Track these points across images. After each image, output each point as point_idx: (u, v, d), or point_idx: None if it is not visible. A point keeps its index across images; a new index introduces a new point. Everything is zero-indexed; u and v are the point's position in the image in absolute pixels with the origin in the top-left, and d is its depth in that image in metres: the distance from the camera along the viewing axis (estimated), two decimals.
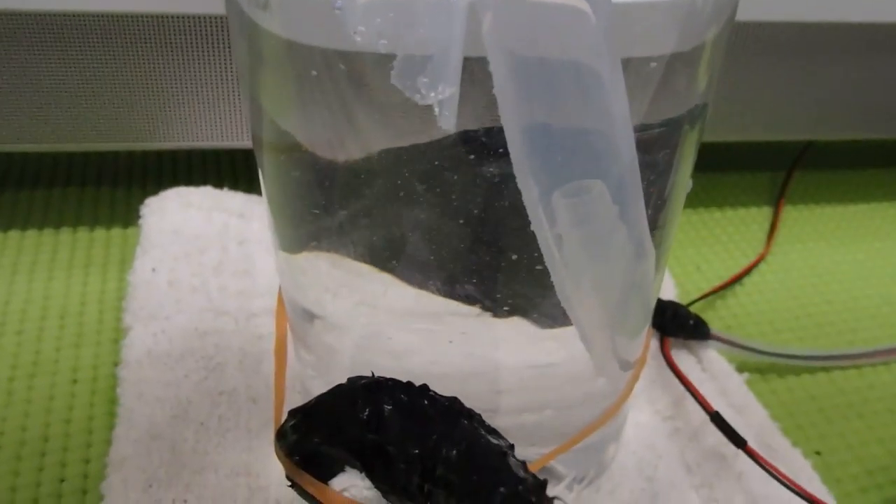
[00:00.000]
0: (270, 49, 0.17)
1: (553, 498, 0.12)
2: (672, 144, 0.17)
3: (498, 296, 0.18)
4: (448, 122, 0.13)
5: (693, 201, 0.36)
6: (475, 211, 0.17)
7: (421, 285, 0.18)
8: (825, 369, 0.28)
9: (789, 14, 0.30)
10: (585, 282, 0.16)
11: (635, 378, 0.20)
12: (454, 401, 0.14)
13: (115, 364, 0.24)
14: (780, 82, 0.33)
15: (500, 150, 0.15)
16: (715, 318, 0.30)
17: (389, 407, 0.13)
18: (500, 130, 0.15)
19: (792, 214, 0.37)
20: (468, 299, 0.18)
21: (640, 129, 0.16)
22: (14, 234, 0.29)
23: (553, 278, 0.15)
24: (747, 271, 0.32)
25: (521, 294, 0.18)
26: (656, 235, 0.18)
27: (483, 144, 0.16)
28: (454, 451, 0.12)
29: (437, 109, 0.13)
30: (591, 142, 0.14)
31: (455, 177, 0.17)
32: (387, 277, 0.18)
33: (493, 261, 0.18)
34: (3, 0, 0.24)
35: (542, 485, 0.12)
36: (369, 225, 0.18)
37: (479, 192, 0.17)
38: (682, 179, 0.19)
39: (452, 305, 0.18)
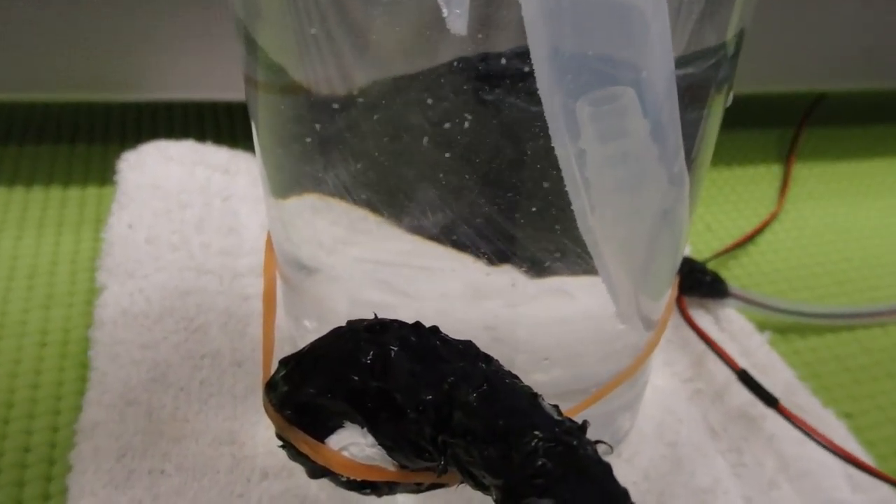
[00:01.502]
0: None
1: (597, 441, 0.10)
2: (711, 70, 0.16)
3: (509, 242, 0.16)
4: (458, 25, 0.12)
5: None
6: (477, 146, 0.15)
7: (421, 231, 0.16)
8: (849, 328, 0.27)
9: None
10: (610, 210, 0.14)
11: (657, 340, 0.19)
12: (469, 344, 0.12)
13: (88, 326, 0.22)
14: (789, 29, 0.31)
15: (505, 77, 0.14)
16: (730, 278, 0.28)
17: (396, 349, 0.11)
18: (499, 57, 0.13)
19: (803, 171, 0.35)
20: (474, 248, 0.16)
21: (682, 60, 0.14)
22: None
23: (574, 205, 0.13)
24: (760, 229, 0.31)
25: (536, 238, 0.16)
26: (690, 169, 0.16)
27: (484, 72, 0.14)
28: (474, 395, 0.10)
29: (445, 10, 0.12)
30: (621, 28, 0.12)
31: (454, 108, 0.15)
32: (385, 223, 0.16)
33: (501, 201, 0.16)
34: None
35: (583, 427, 0.10)
36: (366, 165, 0.16)
37: (482, 125, 0.15)
38: (718, 108, 0.17)
39: (457, 254, 0.16)
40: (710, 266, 0.28)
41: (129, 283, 0.22)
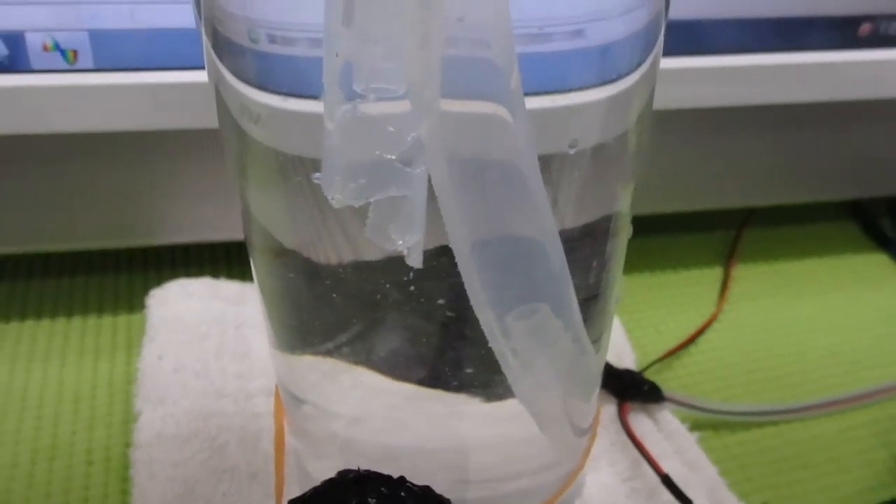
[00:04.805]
0: (259, 157, 0.19)
1: None
2: (603, 238, 0.20)
3: (466, 381, 0.21)
4: (416, 262, 0.16)
5: (651, 264, 0.39)
6: (447, 312, 0.20)
7: (400, 377, 0.21)
8: (773, 423, 0.31)
9: (716, 99, 0.33)
10: (538, 379, 0.18)
11: (589, 448, 0.23)
12: (427, 489, 0.17)
13: (127, 445, 0.26)
14: (715, 157, 0.37)
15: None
16: (673, 378, 0.33)
17: (373, 500, 0.16)
18: None
19: (743, 272, 0.40)
20: (440, 385, 0.21)
21: (570, 233, 0.19)
22: (30, 324, 0.31)
23: (510, 380, 0.18)
24: (700, 331, 0.35)
25: (488, 380, 0.21)
26: (597, 321, 0.21)
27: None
28: None
29: (405, 252, 0.16)
30: (531, 263, 0.17)
31: (428, 284, 0.19)
32: (367, 372, 0.21)
33: (462, 354, 0.21)
34: (20, 125, 0.27)
35: None
36: (352, 327, 0.21)
37: (450, 297, 0.20)
38: (619, 245, 0.21)
39: (425, 391, 0.21)
40: (658, 367, 0.33)
41: (161, 408, 0.27)
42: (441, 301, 0.20)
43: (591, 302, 0.20)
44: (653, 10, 0.17)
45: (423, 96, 0.14)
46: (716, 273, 0.39)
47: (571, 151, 0.17)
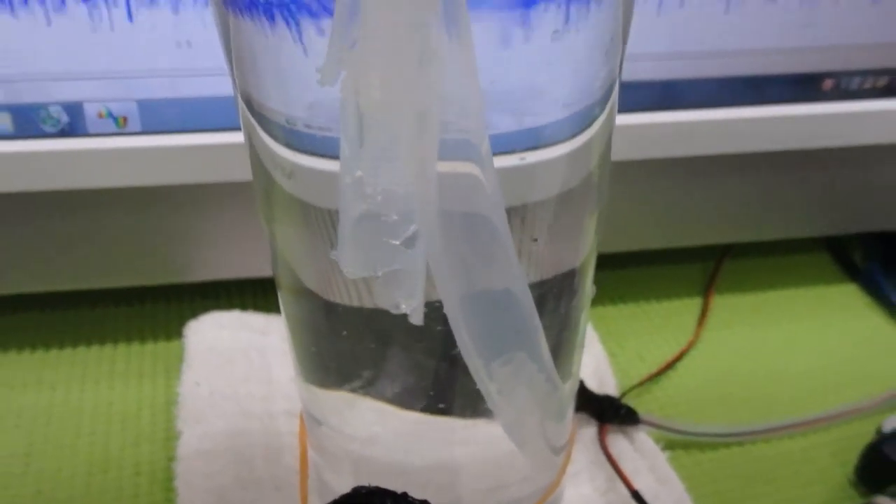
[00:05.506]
0: (290, 206, 0.23)
1: None
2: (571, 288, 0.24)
3: (460, 408, 0.25)
4: (417, 321, 0.20)
5: (635, 295, 0.43)
6: (444, 352, 0.24)
7: (405, 405, 0.25)
8: (739, 443, 0.35)
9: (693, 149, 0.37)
10: (518, 411, 0.22)
11: (565, 464, 0.27)
12: (425, 503, 0.21)
13: (170, 459, 0.30)
14: (695, 199, 0.40)
15: None
16: (652, 400, 0.37)
17: None
18: None
19: (721, 302, 0.43)
20: (439, 411, 0.25)
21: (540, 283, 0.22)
22: (81, 350, 0.36)
23: (494, 412, 0.22)
24: (678, 357, 0.39)
25: (478, 408, 0.25)
26: (565, 359, 0.25)
27: None
28: None
29: (408, 313, 0.20)
30: (509, 316, 0.21)
31: (428, 329, 0.23)
32: (376, 401, 0.25)
33: (457, 386, 0.25)
34: (80, 181, 0.31)
35: None
36: (365, 362, 0.25)
37: (444, 341, 0.23)
38: (582, 303, 0.25)
39: (426, 416, 0.25)
40: (638, 391, 0.37)
41: (198, 427, 0.31)
42: (438, 343, 0.24)
43: (559, 345, 0.24)
44: (611, 79, 0.21)
45: (421, 196, 0.18)
46: (696, 303, 0.43)
47: (535, 244, 0.21)
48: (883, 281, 0.44)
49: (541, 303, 0.21)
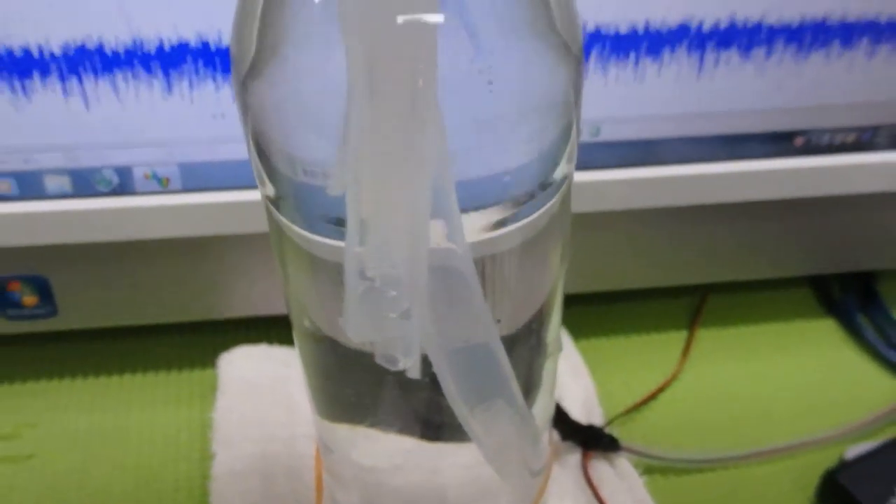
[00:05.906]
0: (300, 258, 0.27)
1: None
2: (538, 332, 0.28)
3: (450, 436, 0.29)
4: (414, 375, 0.24)
5: (625, 328, 0.47)
6: (435, 392, 0.28)
7: (404, 434, 0.29)
8: (712, 468, 0.39)
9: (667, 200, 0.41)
10: (497, 445, 0.26)
11: (544, 486, 0.31)
12: None
13: (205, 478, 0.35)
14: (680, 242, 0.44)
15: None
16: (636, 428, 0.40)
17: None
18: None
19: (705, 335, 0.47)
20: (430, 439, 0.29)
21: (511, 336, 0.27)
22: (127, 377, 0.40)
23: (477, 446, 0.26)
24: (662, 389, 0.43)
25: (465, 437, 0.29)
26: (537, 395, 0.29)
27: None
28: None
29: (406, 369, 0.24)
30: (488, 366, 0.25)
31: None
32: (379, 432, 0.29)
33: (447, 418, 0.29)
34: (129, 233, 0.36)
35: None
36: (368, 399, 0.29)
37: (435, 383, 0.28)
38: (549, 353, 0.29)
39: (423, 443, 0.29)
40: (623, 419, 0.41)
41: (231, 450, 0.35)
42: (430, 385, 0.28)
43: (530, 387, 0.28)
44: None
45: (412, 280, 0.22)
46: (682, 336, 0.47)
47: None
48: (857, 316, 0.48)
49: (510, 354, 0.25)
